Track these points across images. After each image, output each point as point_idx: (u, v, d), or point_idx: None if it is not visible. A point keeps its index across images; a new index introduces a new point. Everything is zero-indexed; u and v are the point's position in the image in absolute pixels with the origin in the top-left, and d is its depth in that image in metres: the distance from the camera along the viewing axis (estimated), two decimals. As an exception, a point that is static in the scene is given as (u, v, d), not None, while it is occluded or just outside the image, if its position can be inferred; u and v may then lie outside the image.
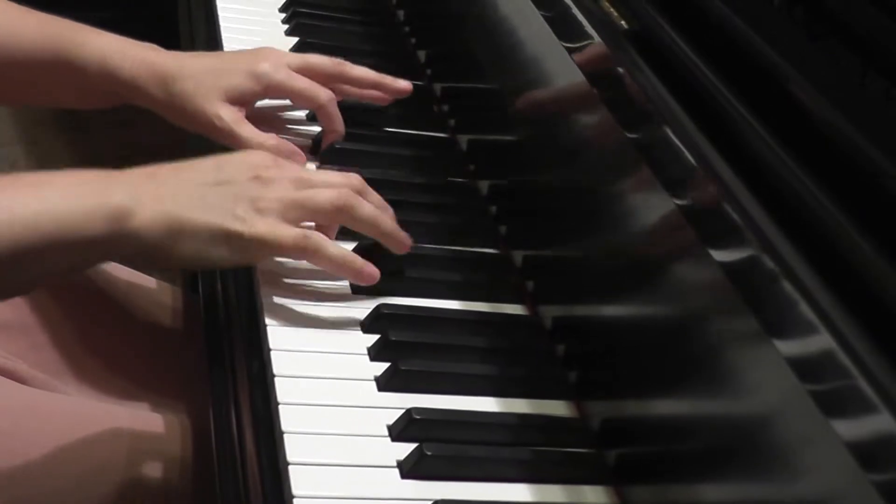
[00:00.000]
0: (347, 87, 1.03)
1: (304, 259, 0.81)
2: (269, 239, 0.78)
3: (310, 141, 1.03)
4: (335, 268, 0.82)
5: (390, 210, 0.86)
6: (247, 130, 0.96)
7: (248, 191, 0.79)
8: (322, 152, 1.01)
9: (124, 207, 0.76)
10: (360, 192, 0.84)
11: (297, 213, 0.80)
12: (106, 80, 0.97)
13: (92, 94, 1.01)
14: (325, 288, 0.85)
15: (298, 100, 1.01)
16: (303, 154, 0.98)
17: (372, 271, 0.82)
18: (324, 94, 0.99)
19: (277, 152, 0.94)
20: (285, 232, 0.79)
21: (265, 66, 0.98)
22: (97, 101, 1.03)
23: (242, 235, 0.77)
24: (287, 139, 0.99)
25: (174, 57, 0.98)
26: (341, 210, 0.82)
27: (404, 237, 0.85)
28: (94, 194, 0.76)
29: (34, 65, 0.99)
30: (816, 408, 0.55)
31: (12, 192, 0.76)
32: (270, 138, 0.96)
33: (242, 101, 0.97)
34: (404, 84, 1.05)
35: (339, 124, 1.01)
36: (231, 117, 0.96)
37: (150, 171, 0.79)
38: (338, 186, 0.83)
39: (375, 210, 0.84)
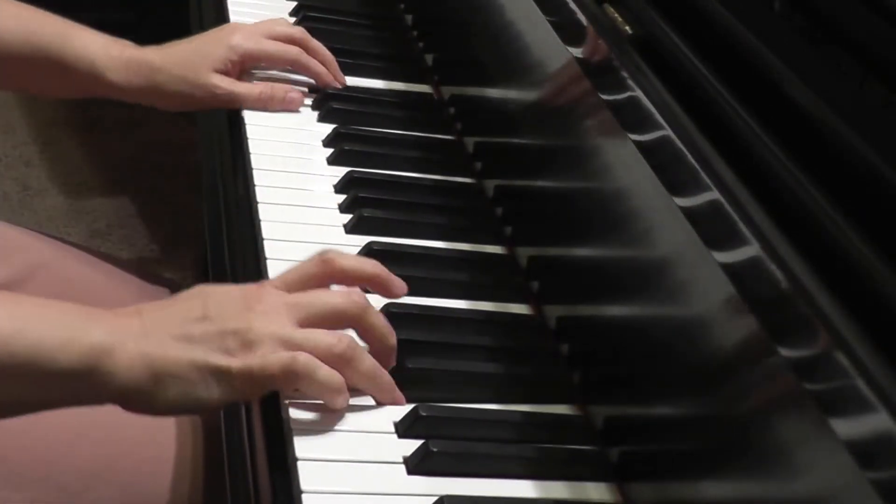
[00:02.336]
0: (306, 59, 1.11)
1: (297, 389, 0.73)
2: (256, 369, 0.70)
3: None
4: (330, 394, 0.73)
5: (393, 336, 0.77)
6: (243, 87, 1.07)
7: (237, 324, 0.71)
8: (317, 102, 1.10)
9: (103, 345, 0.70)
10: (360, 318, 0.75)
11: (290, 348, 0.71)
12: (92, 78, 1.04)
13: (77, 88, 1.08)
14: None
15: (272, 61, 1.12)
16: (301, 94, 1.09)
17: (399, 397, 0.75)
18: (293, 50, 1.11)
19: (272, 98, 1.07)
20: (274, 360, 0.70)
21: (237, 38, 1.08)
22: (82, 93, 1.10)
23: (230, 370, 0.70)
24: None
25: (154, 50, 1.06)
26: (340, 357, 0.73)
27: (397, 395, 0.76)
28: (73, 327, 0.70)
29: (28, 60, 1.04)
30: (816, 407, 0.55)
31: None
32: (266, 86, 1.08)
33: (226, 71, 1.07)
34: (341, 79, 1.14)
35: (316, 66, 1.12)
36: (226, 82, 1.06)
37: (135, 310, 0.73)
38: (338, 308, 0.75)
39: (373, 366, 0.75)
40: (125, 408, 0.72)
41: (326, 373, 0.71)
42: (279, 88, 1.08)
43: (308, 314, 0.73)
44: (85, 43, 1.04)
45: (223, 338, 0.71)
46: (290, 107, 1.08)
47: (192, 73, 1.05)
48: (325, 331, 0.73)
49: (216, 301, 0.73)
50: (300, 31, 1.13)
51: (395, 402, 0.75)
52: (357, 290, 0.77)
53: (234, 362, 0.70)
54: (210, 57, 1.06)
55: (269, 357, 0.70)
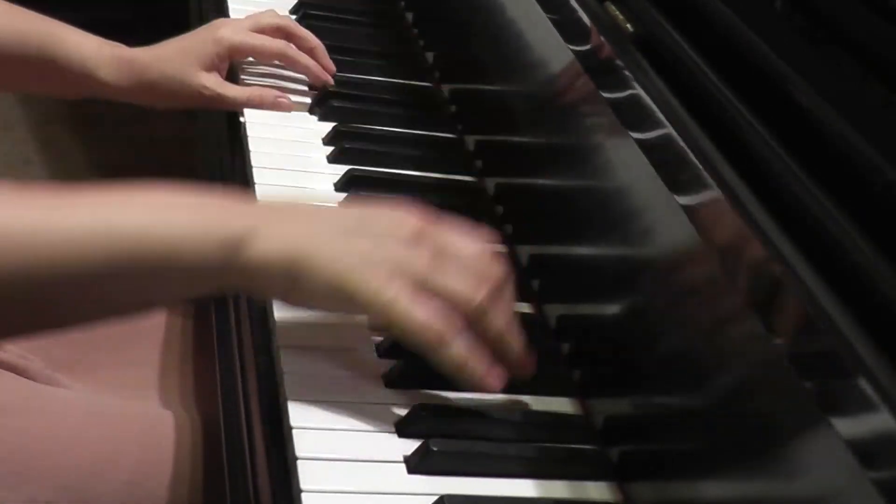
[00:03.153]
0: (293, 53, 1.12)
1: (422, 349, 0.71)
2: (399, 312, 0.69)
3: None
4: (453, 372, 0.71)
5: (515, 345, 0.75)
6: (232, 90, 1.08)
7: (387, 245, 0.71)
8: (317, 101, 1.10)
9: (244, 236, 0.69)
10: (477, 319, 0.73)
11: (430, 290, 0.71)
12: (85, 78, 1.06)
13: (68, 88, 1.10)
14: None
15: (259, 54, 1.12)
16: (290, 100, 1.09)
17: (491, 384, 0.72)
18: (280, 43, 1.11)
19: (261, 101, 1.07)
20: (418, 312, 0.70)
21: (224, 31, 1.09)
22: (73, 94, 1.12)
23: (369, 296, 0.69)
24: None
25: (144, 50, 1.07)
26: (474, 311, 0.72)
27: (493, 384, 0.74)
28: (213, 218, 0.70)
29: (20, 60, 1.05)
30: (817, 406, 0.55)
31: (118, 203, 0.70)
32: (255, 90, 1.08)
33: (214, 67, 1.07)
34: (328, 77, 1.13)
35: (304, 59, 1.12)
36: (214, 82, 1.07)
37: (285, 205, 0.75)
38: (484, 268, 0.73)
39: (501, 332, 0.74)
40: (263, 296, 0.75)
41: (459, 351, 0.70)
42: (268, 93, 1.08)
43: (452, 257, 0.72)
44: (76, 43, 1.06)
45: (371, 257, 0.70)
46: (279, 110, 1.08)
47: (181, 72, 1.06)
48: (467, 279, 0.72)
49: (373, 218, 0.73)
50: (287, 21, 1.14)
51: (519, 368, 0.74)
52: (484, 290, 0.73)
53: (378, 290, 0.69)
54: (198, 54, 1.07)
55: (412, 310, 0.69)
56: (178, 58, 1.07)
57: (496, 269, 0.74)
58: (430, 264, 0.71)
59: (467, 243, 0.74)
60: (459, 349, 0.71)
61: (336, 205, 0.75)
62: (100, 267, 0.67)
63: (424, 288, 0.70)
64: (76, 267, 0.67)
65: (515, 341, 0.74)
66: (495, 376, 0.72)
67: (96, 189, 0.70)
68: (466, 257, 0.73)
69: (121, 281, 0.69)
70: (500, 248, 0.77)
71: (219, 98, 1.07)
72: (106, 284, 0.69)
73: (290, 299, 0.73)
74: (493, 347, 0.73)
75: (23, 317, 0.70)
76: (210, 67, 1.07)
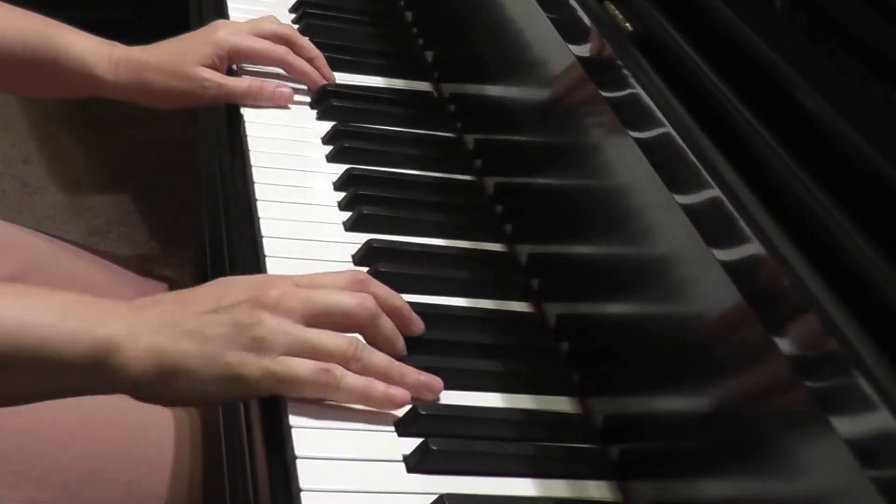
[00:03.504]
0: (292, 58, 1.11)
1: (320, 395, 0.73)
2: (282, 374, 0.70)
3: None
4: (357, 401, 0.73)
5: (401, 342, 0.78)
6: (232, 81, 1.08)
7: (250, 318, 0.71)
8: (316, 100, 1.10)
9: (113, 339, 0.70)
10: (370, 323, 0.75)
11: (303, 350, 0.72)
12: (86, 78, 1.06)
13: (71, 89, 1.10)
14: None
15: (258, 58, 1.12)
16: (291, 90, 1.09)
17: (397, 394, 0.73)
18: (280, 49, 1.11)
19: (261, 91, 1.07)
20: (300, 366, 0.71)
21: (222, 33, 1.09)
22: (73, 93, 1.13)
23: (245, 371, 0.70)
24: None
25: (143, 49, 1.08)
26: (351, 359, 0.73)
27: (424, 380, 0.76)
28: (84, 320, 0.71)
29: (20, 61, 1.06)
30: (816, 405, 0.55)
31: (2, 298, 0.72)
32: (255, 81, 1.08)
33: (214, 67, 1.08)
34: (329, 77, 1.13)
35: (302, 65, 1.11)
36: (214, 76, 1.07)
37: (151, 301, 0.74)
38: (351, 312, 0.75)
39: (385, 361, 0.75)
40: (135, 398, 0.73)
41: (354, 380, 0.72)
42: (269, 83, 1.08)
43: (318, 312, 0.73)
44: (76, 42, 1.06)
45: (236, 333, 0.71)
46: (279, 102, 1.08)
47: (181, 68, 1.06)
48: (336, 333, 0.73)
49: (229, 292, 0.73)
50: (288, 29, 1.14)
51: (424, 390, 0.75)
52: (368, 294, 0.76)
53: (252, 366, 0.70)
54: (197, 53, 1.07)
55: (296, 366, 0.71)
56: (177, 55, 1.07)
57: (365, 301, 0.75)
58: (293, 329, 0.72)
59: (332, 285, 0.75)
60: (354, 379, 0.72)
61: (197, 288, 0.75)
62: None
63: (294, 352, 0.71)
64: None
65: (403, 368, 0.75)
66: (400, 391, 0.73)
67: None
68: (332, 302, 0.74)
69: (5, 370, 0.70)
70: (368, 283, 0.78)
71: (220, 89, 1.06)
72: None
73: (165, 399, 0.73)
74: (384, 381, 0.74)
75: None
76: (209, 66, 1.07)
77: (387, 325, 0.76)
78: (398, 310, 0.78)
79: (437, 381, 0.76)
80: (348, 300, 0.75)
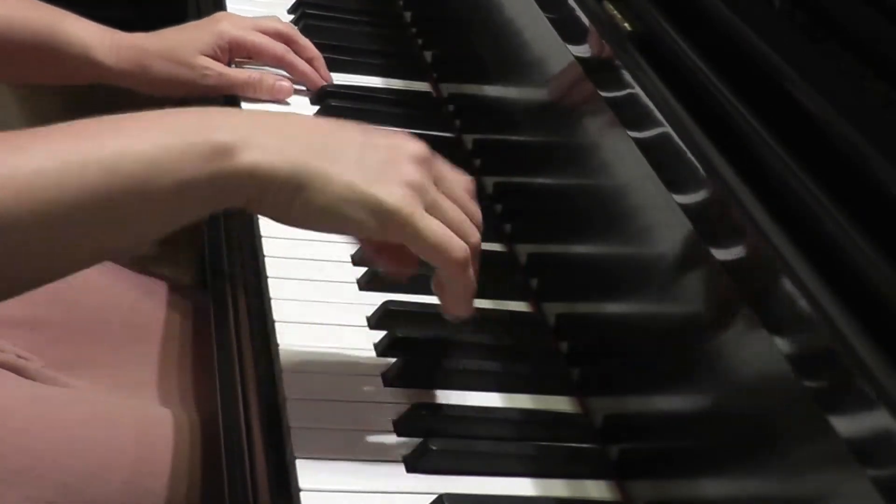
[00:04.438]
0: (292, 58, 1.11)
1: (434, 261, 0.70)
2: (417, 223, 0.67)
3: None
4: (461, 289, 0.72)
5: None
6: (234, 71, 1.08)
7: (397, 161, 0.68)
8: (316, 100, 1.10)
9: (234, 144, 0.65)
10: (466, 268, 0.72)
11: (436, 214, 0.69)
12: (87, 64, 1.06)
13: (72, 75, 1.10)
14: (333, 285, 0.86)
15: (258, 53, 1.11)
16: (290, 84, 1.09)
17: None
18: (280, 46, 1.11)
19: (260, 83, 1.07)
20: (436, 226, 0.68)
21: (224, 25, 1.10)
22: (74, 79, 1.12)
23: (385, 205, 0.66)
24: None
25: (145, 36, 1.08)
26: (465, 233, 0.71)
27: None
28: (191, 131, 0.65)
29: (21, 47, 1.06)
30: (815, 404, 0.55)
31: (89, 134, 0.65)
32: (254, 73, 1.08)
33: (214, 57, 1.08)
34: (327, 78, 1.13)
35: (302, 65, 1.12)
36: (214, 65, 1.07)
37: (274, 114, 0.72)
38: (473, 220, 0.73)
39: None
40: (254, 209, 0.69)
41: (470, 275, 0.70)
42: (268, 76, 1.08)
43: (449, 193, 0.71)
44: (77, 28, 1.07)
45: (383, 169, 0.67)
46: (278, 95, 1.08)
47: (181, 56, 1.07)
48: (465, 219, 0.71)
49: (378, 133, 0.70)
50: (289, 28, 1.14)
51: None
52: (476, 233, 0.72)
53: (395, 200, 0.66)
54: (199, 42, 1.07)
55: (433, 224, 0.68)
56: (179, 43, 1.07)
57: (479, 213, 0.74)
58: (433, 189, 0.70)
59: (459, 178, 0.73)
60: (471, 274, 0.71)
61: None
62: (80, 199, 0.62)
63: (429, 210, 0.69)
64: (53, 204, 0.62)
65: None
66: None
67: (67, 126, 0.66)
68: (460, 193, 0.72)
69: (106, 211, 0.64)
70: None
71: (219, 78, 1.07)
72: (90, 217, 0.63)
73: (291, 213, 0.68)
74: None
75: (21, 262, 0.64)
76: (209, 55, 1.08)
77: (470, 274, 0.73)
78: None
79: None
80: (475, 212, 0.73)
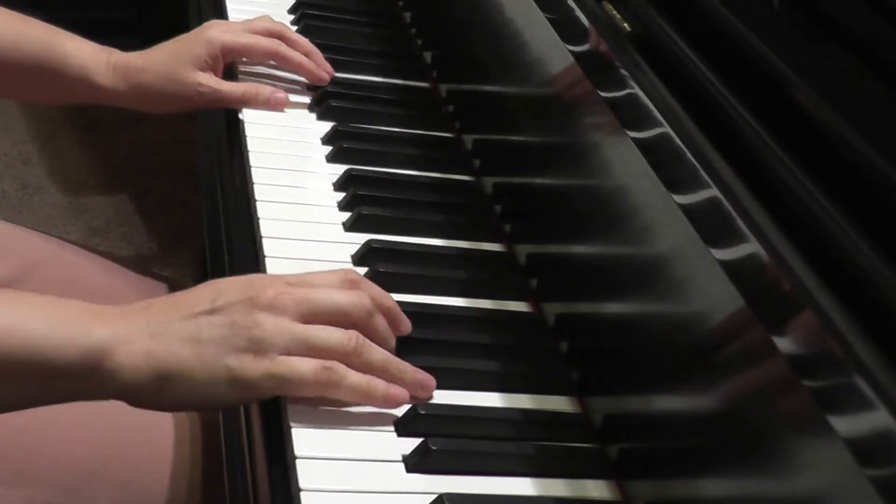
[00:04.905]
0: (285, 50, 1.11)
1: (322, 394, 0.72)
2: (284, 374, 0.70)
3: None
4: (359, 399, 0.73)
5: (393, 340, 0.78)
6: (228, 86, 1.07)
7: (247, 318, 0.70)
8: (315, 100, 1.10)
9: (105, 344, 0.69)
10: (365, 321, 0.75)
11: (302, 348, 0.71)
12: (85, 86, 1.06)
13: (66, 94, 1.10)
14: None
15: (252, 53, 1.12)
16: (286, 94, 1.09)
17: (398, 393, 0.74)
18: (273, 43, 1.11)
19: (257, 96, 1.06)
20: (303, 365, 0.70)
21: (213, 32, 1.09)
22: (71, 99, 1.12)
23: (246, 373, 0.69)
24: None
25: (139, 55, 1.08)
26: (352, 353, 0.73)
27: (420, 377, 0.76)
28: (74, 325, 0.70)
29: (19, 66, 1.06)
30: (815, 404, 0.55)
31: None
32: (251, 86, 1.08)
33: (208, 67, 1.08)
34: (322, 73, 1.13)
35: (297, 57, 1.12)
36: (210, 80, 1.07)
37: (143, 306, 0.73)
38: (346, 310, 0.74)
39: (385, 357, 0.75)
40: (130, 404, 0.72)
41: (356, 378, 0.72)
42: (264, 88, 1.08)
43: (313, 311, 0.73)
44: (74, 48, 1.06)
45: (232, 335, 0.70)
46: (274, 107, 1.08)
47: (176, 73, 1.06)
48: (334, 328, 0.73)
49: (222, 293, 0.72)
50: (280, 25, 1.14)
51: (419, 388, 0.75)
52: (362, 292, 0.75)
53: (253, 368, 0.69)
54: (192, 55, 1.07)
55: (297, 365, 0.70)
56: (172, 60, 1.07)
57: (361, 299, 0.75)
58: (291, 327, 0.71)
59: (325, 284, 0.75)
60: (356, 378, 0.72)
61: (189, 289, 0.75)
62: None
63: (293, 350, 0.71)
64: None
65: (401, 365, 0.75)
66: (400, 390, 0.74)
67: None
68: (328, 301, 0.74)
69: None
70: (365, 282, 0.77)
71: (215, 94, 1.06)
72: None
73: (164, 403, 0.71)
74: (383, 377, 0.74)
75: None
76: (204, 68, 1.07)
77: (381, 322, 0.76)
78: (389, 309, 0.78)
79: (431, 379, 0.76)
80: (344, 298, 0.74)
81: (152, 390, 0.70)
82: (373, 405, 0.73)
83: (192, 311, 0.71)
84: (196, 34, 1.10)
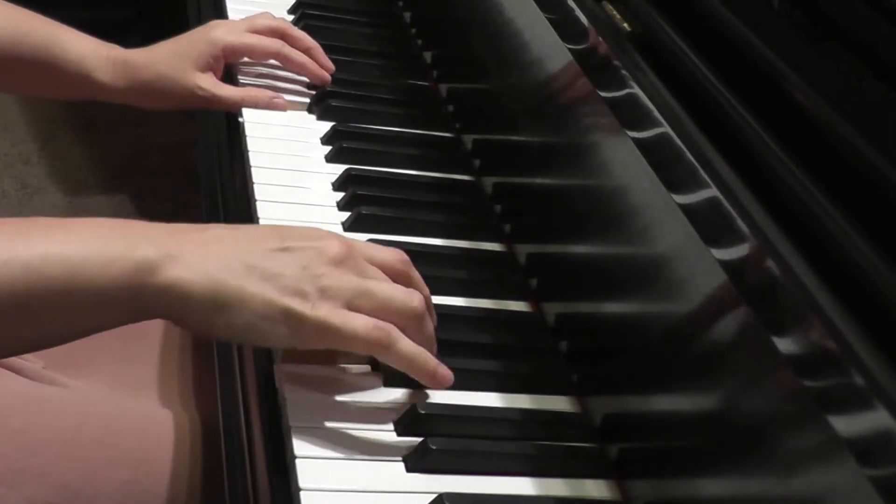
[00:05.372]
0: (288, 51, 1.11)
1: (371, 354, 0.72)
2: (337, 326, 0.68)
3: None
4: (406, 366, 0.72)
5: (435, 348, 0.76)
6: (227, 90, 1.07)
7: (315, 265, 0.70)
8: (315, 100, 1.10)
9: (151, 261, 0.67)
10: (417, 323, 0.73)
11: (365, 303, 0.70)
12: (81, 79, 1.06)
13: (65, 89, 1.10)
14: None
15: (254, 54, 1.11)
16: (285, 100, 1.09)
17: (445, 374, 0.73)
18: (276, 42, 1.11)
19: (255, 101, 1.06)
20: (357, 321, 0.69)
21: (218, 32, 1.09)
22: (70, 94, 1.12)
23: (304, 317, 0.68)
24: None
25: (140, 51, 1.08)
26: (412, 314, 0.72)
27: (447, 374, 0.74)
28: (117, 244, 0.67)
29: (18, 60, 1.06)
30: (815, 404, 0.56)
31: (19, 233, 0.68)
32: (249, 90, 1.08)
33: (209, 67, 1.07)
34: (325, 74, 1.12)
35: (299, 57, 1.11)
36: (209, 83, 1.06)
37: (194, 227, 0.71)
38: (400, 308, 0.72)
39: (432, 334, 0.75)
40: (176, 324, 0.70)
41: (408, 345, 0.71)
42: (263, 93, 1.08)
43: (372, 291, 0.71)
44: (74, 44, 1.06)
45: (301, 278, 0.69)
46: (272, 111, 1.08)
47: (176, 73, 1.06)
48: (399, 286, 0.72)
49: (291, 236, 0.71)
50: (282, 22, 1.14)
51: (437, 380, 0.73)
52: (419, 293, 0.74)
53: (310, 310, 0.68)
54: (193, 55, 1.07)
55: (352, 319, 0.69)
56: (173, 58, 1.07)
57: (418, 278, 0.76)
58: (357, 281, 0.71)
59: (386, 255, 0.75)
60: (408, 344, 0.71)
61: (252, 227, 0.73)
62: (3, 297, 0.65)
63: (360, 298, 0.70)
64: None
65: (434, 347, 0.75)
66: (447, 371, 0.73)
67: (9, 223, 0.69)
68: (391, 268, 0.74)
69: (23, 310, 0.67)
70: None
71: (213, 98, 1.07)
72: (13, 314, 0.67)
73: (214, 332, 0.70)
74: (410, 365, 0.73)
75: None
76: (205, 68, 1.07)
77: (429, 329, 0.74)
78: (427, 299, 0.76)
79: (451, 376, 0.75)
80: (401, 295, 0.72)
81: (205, 311, 0.68)
82: (418, 377, 0.72)
83: (261, 245, 0.70)
84: (199, 33, 1.10)
